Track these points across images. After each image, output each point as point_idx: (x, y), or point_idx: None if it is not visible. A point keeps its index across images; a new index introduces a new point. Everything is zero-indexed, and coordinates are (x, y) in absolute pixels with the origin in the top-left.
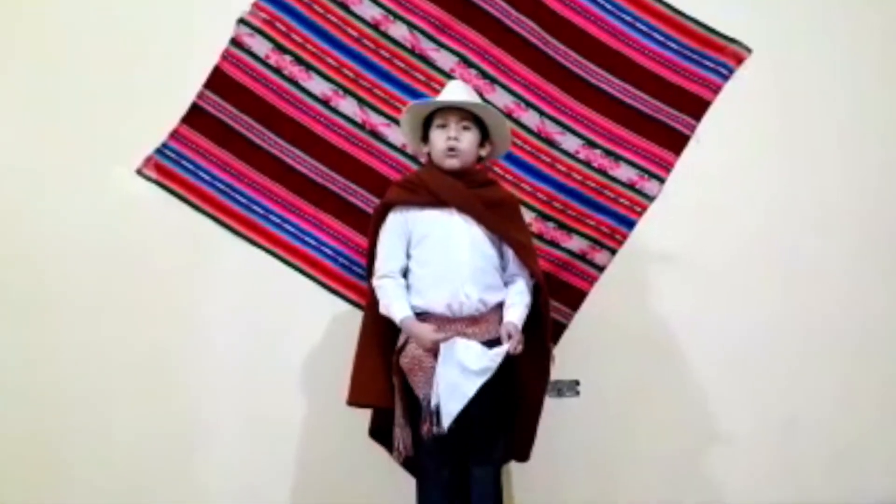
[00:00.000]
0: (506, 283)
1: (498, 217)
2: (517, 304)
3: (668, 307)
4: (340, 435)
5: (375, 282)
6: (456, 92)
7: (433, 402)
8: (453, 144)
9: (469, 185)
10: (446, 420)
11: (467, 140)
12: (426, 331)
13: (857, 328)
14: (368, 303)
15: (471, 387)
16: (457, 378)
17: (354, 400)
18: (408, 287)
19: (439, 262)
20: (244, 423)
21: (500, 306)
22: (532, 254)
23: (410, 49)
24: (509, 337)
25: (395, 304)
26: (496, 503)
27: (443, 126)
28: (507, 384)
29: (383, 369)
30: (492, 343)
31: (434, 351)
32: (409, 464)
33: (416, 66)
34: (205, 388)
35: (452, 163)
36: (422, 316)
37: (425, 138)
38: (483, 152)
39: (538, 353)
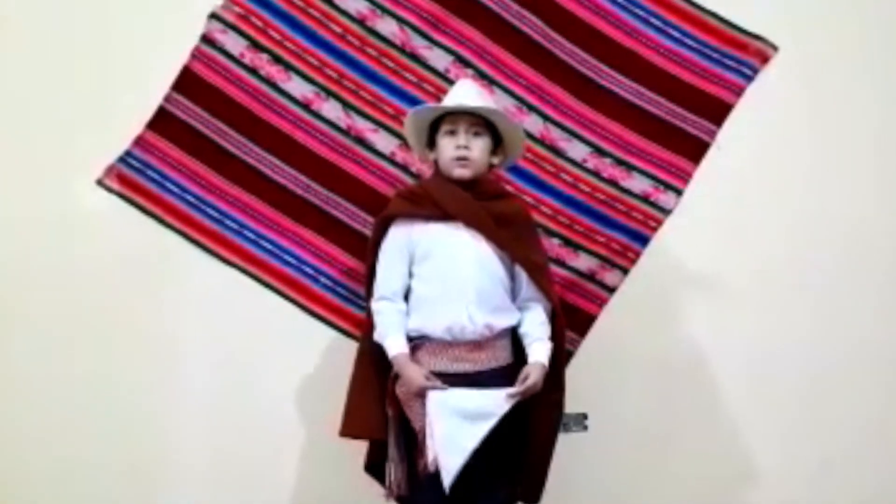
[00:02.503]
0: (519, 309)
1: (510, 234)
2: (543, 340)
3: (685, 332)
4: (328, 473)
5: (373, 304)
6: (466, 94)
7: (430, 459)
8: (464, 153)
9: (478, 196)
10: (447, 479)
11: (478, 147)
12: (416, 375)
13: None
14: (366, 326)
15: (471, 438)
16: (454, 429)
17: (348, 432)
18: (408, 309)
19: (442, 281)
20: (219, 463)
21: (507, 332)
22: (548, 276)
23: (400, 47)
24: (526, 377)
25: (390, 337)
26: None
27: (452, 133)
28: (512, 418)
29: (380, 398)
30: (497, 372)
31: (421, 395)
32: (404, 502)
33: (406, 65)
34: (175, 424)
35: (462, 173)
36: (419, 340)
37: (431, 144)
38: (495, 160)
39: (550, 386)
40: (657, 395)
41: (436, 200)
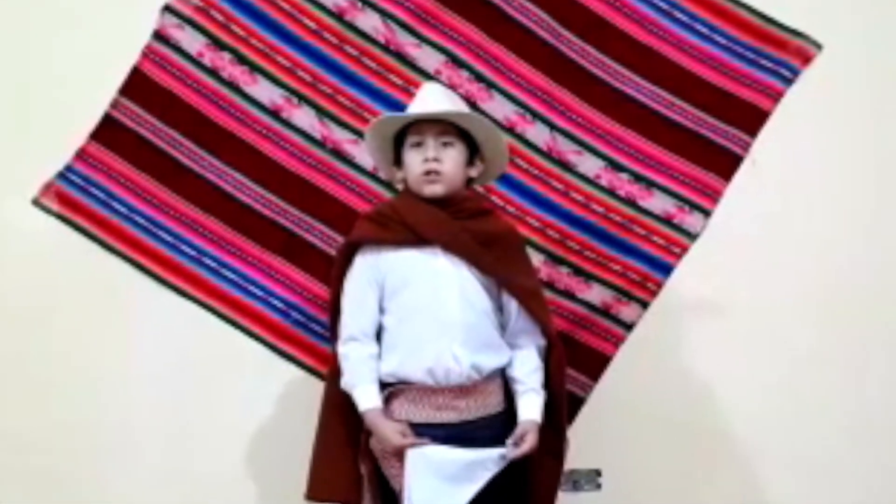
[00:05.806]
0: (508, 345)
1: (496, 256)
2: (536, 390)
3: (712, 376)
4: None
5: (340, 347)
6: (431, 98)
7: None
8: (433, 167)
9: (456, 215)
10: None
11: (450, 159)
12: (391, 434)
13: None
14: (331, 371)
15: (457, 501)
16: (433, 492)
17: (315, 494)
18: (381, 350)
19: (420, 317)
20: None
21: (498, 373)
22: (542, 303)
23: (384, 45)
24: (521, 439)
25: (359, 387)
26: None
27: (418, 144)
28: (509, 472)
29: (351, 455)
30: (487, 422)
31: (399, 455)
32: None
33: (390, 65)
34: (124, 478)
35: (433, 189)
36: (397, 387)
37: (399, 161)
38: (473, 172)
39: (549, 434)
40: (679, 450)
41: (407, 222)
